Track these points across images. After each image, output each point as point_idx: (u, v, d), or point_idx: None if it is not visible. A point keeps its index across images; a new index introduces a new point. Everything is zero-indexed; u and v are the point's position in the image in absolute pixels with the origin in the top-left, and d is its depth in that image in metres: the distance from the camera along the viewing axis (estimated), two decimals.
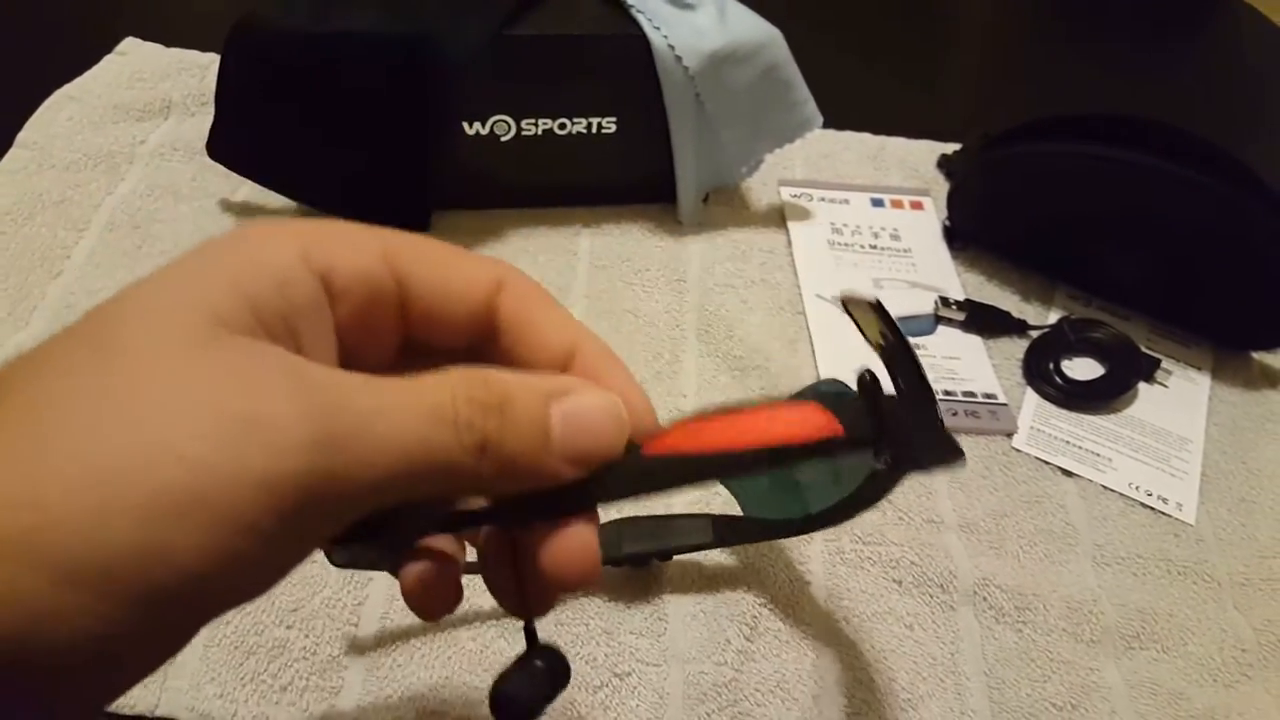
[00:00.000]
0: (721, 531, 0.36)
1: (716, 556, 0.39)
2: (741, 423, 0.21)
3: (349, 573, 0.36)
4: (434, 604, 0.23)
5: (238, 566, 0.16)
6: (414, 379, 0.18)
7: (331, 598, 0.36)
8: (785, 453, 0.21)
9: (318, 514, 0.17)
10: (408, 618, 0.35)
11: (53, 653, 0.15)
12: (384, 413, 0.17)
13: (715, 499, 0.39)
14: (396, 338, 0.21)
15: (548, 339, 0.21)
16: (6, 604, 0.14)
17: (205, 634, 0.34)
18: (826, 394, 0.22)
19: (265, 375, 0.17)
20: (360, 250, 0.20)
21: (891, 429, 0.21)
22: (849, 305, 0.25)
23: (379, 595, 0.36)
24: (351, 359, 0.20)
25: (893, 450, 0.23)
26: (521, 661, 0.22)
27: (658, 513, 0.37)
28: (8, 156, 0.51)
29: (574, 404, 0.19)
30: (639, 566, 0.38)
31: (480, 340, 0.22)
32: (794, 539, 0.40)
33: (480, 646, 0.35)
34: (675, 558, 0.38)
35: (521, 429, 0.19)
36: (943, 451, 0.24)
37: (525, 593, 0.23)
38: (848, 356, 0.47)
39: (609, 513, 0.39)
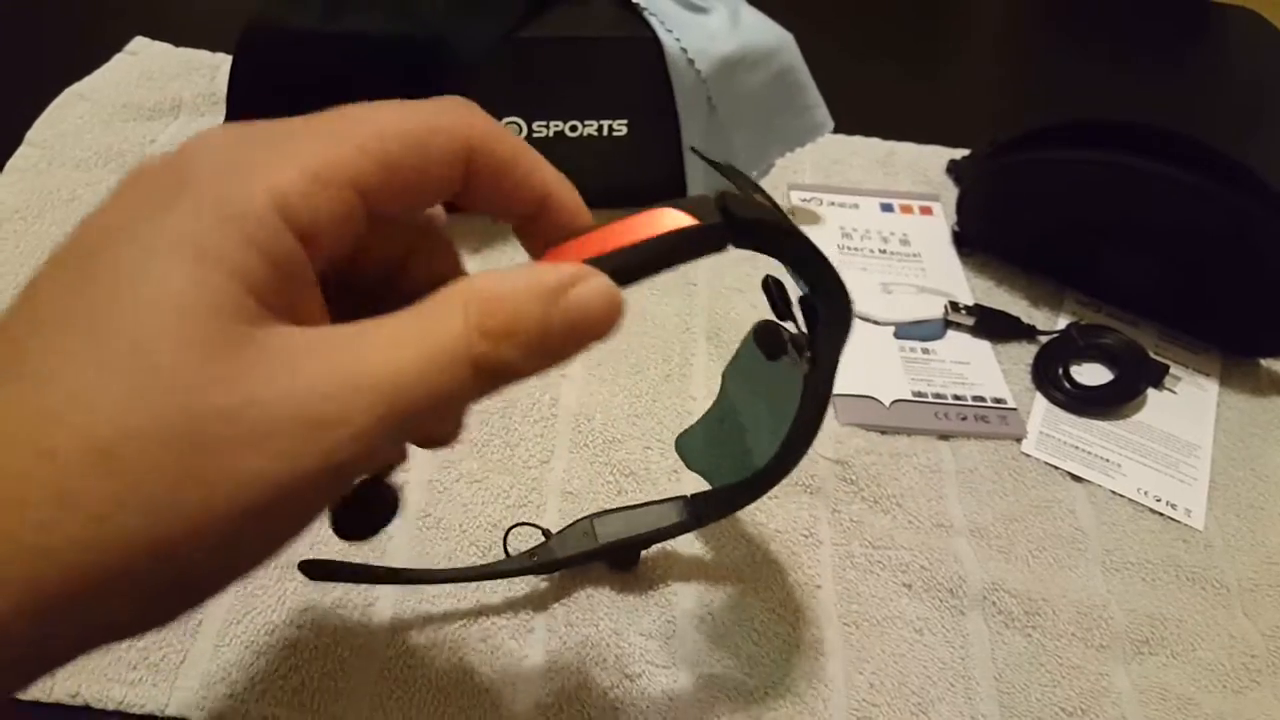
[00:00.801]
0: (694, 508, 0.36)
1: (724, 558, 0.39)
2: (620, 230, 0.23)
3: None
4: None
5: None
6: (419, 313, 0.19)
7: (342, 598, 0.36)
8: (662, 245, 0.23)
9: (352, 465, 0.18)
10: (416, 620, 0.35)
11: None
12: (405, 372, 0.18)
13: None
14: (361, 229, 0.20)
15: (522, 191, 0.22)
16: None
17: (216, 634, 0.34)
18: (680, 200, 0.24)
19: (310, 372, 0.17)
20: (335, 193, 0.19)
21: (735, 211, 0.24)
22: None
23: (389, 596, 0.36)
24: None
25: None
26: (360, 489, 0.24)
27: (629, 503, 0.37)
28: (17, 154, 0.51)
29: (578, 300, 0.20)
30: (624, 567, 0.38)
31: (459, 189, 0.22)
32: (803, 544, 0.40)
33: (491, 648, 0.35)
34: (683, 557, 0.38)
35: (531, 347, 0.19)
36: (793, 240, 0.27)
37: None
38: (858, 359, 0.47)
39: (581, 506, 0.39)
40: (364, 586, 0.36)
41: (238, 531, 0.17)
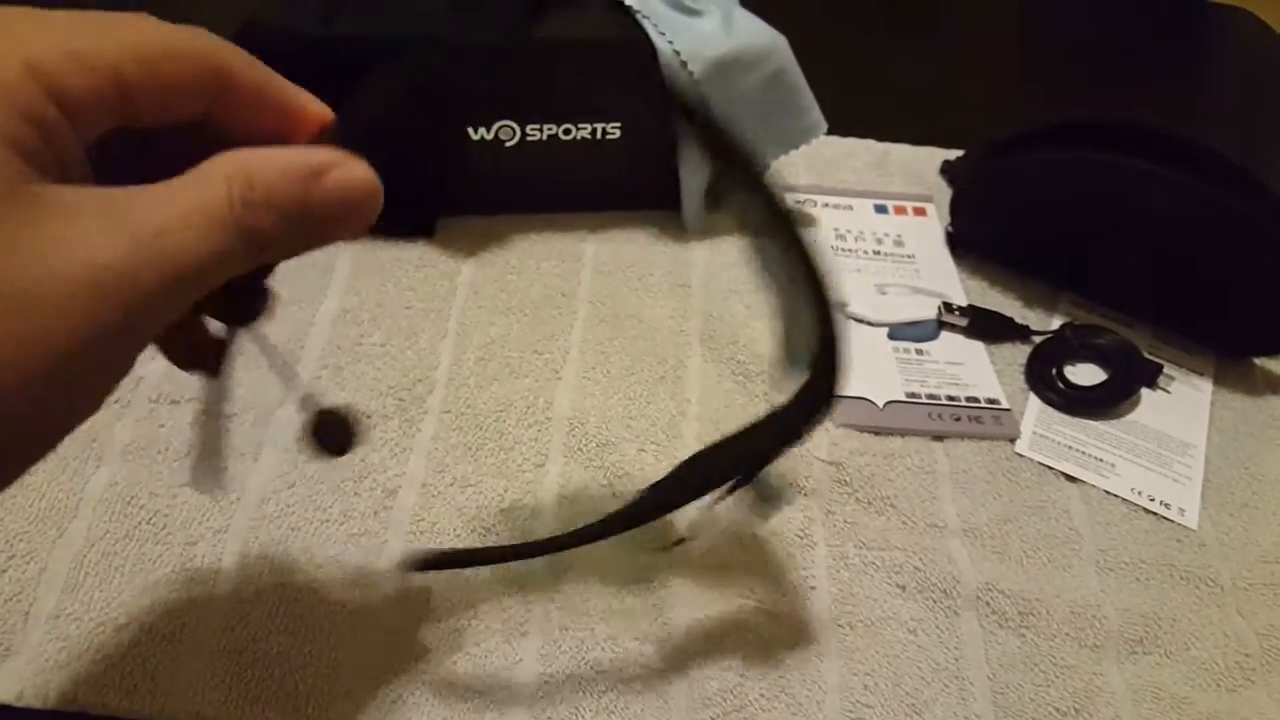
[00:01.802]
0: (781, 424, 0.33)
1: (718, 560, 0.39)
2: None
3: (352, 580, 0.36)
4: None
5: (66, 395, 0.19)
6: (189, 187, 0.20)
7: (335, 604, 0.36)
8: None
9: (143, 320, 0.19)
10: (411, 624, 0.35)
11: None
12: (172, 230, 0.19)
13: None
14: (120, 124, 0.21)
15: (274, 99, 0.24)
16: None
17: (209, 641, 0.34)
18: None
19: (91, 227, 0.19)
20: (89, 67, 0.20)
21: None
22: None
23: (381, 600, 0.36)
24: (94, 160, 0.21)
25: None
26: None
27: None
28: None
29: (336, 182, 0.22)
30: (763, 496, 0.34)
31: (209, 118, 0.23)
32: (798, 546, 0.40)
33: (485, 652, 0.35)
34: (678, 560, 0.38)
35: (292, 220, 0.21)
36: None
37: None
38: (852, 360, 0.47)
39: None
40: (359, 590, 0.36)
41: (35, 386, 0.18)
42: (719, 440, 0.35)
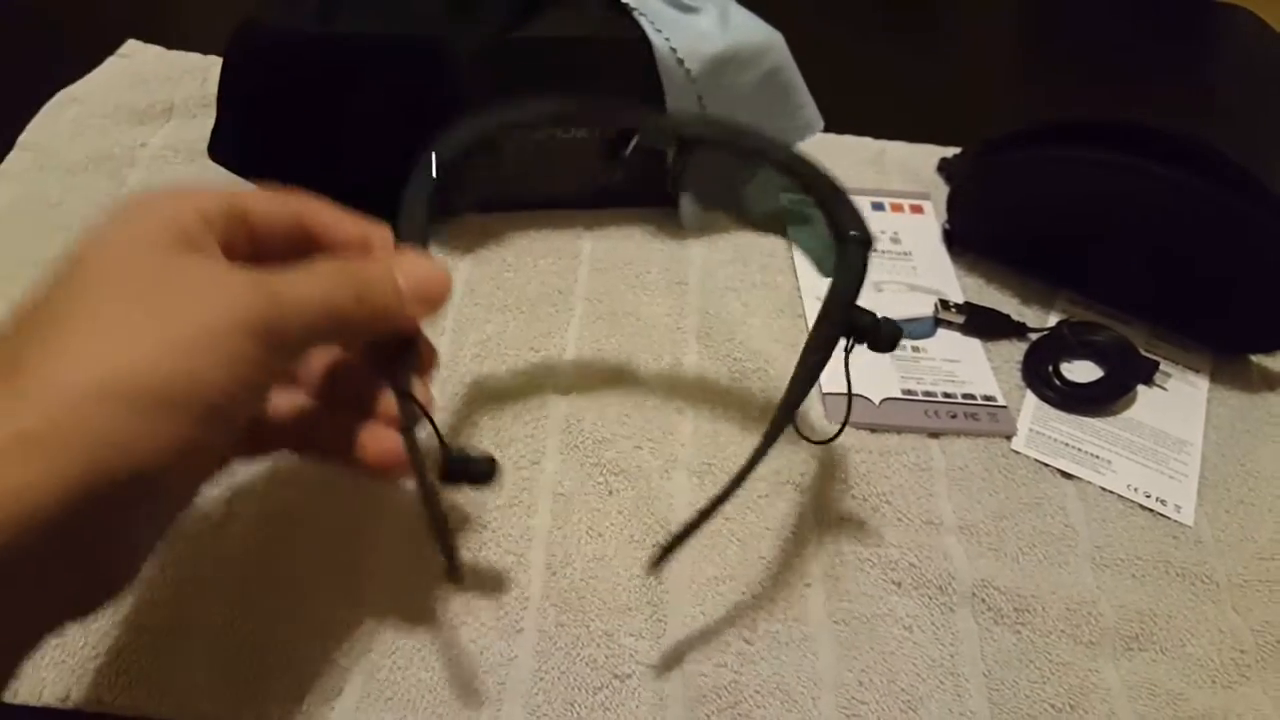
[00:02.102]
0: None
1: (713, 557, 0.39)
2: None
3: (345, 578, 0.36)
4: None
5: (242, 382, 0.25)
6: (306, 265, 0.28)
7: (332, 601, 0.36)
8: None
9: (280, 343, 0.26)
10: (407, 622, 0.35)
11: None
12: (301, 283, 0.27)
13: None
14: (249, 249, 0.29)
15: (346, 236, 0.31)
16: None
17: (205, 637, 0.34)
18: None
19: (229, 274, 0.26)
20: (224, 207, 0.28)
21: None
22: None
23: (378, 597, 0.36)
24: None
25: None
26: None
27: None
28: (9, 158, 0.51)
29: (409, 264, 0.30)
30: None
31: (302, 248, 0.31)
32: (793, 543, 0.40)
33: (480, 649, 0.35)
34: (674, 557, 0.38)
35: (382, 285, 0.29)
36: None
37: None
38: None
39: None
40: (355, 591, 0.36)
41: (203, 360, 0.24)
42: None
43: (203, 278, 0.26)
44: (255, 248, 0.29)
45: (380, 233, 0.32)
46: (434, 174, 0.33)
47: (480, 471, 0.31)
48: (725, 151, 0.39)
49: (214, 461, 0.28)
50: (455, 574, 0.32)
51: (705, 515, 0.33)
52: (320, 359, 0.33)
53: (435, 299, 0.30)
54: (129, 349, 0.23)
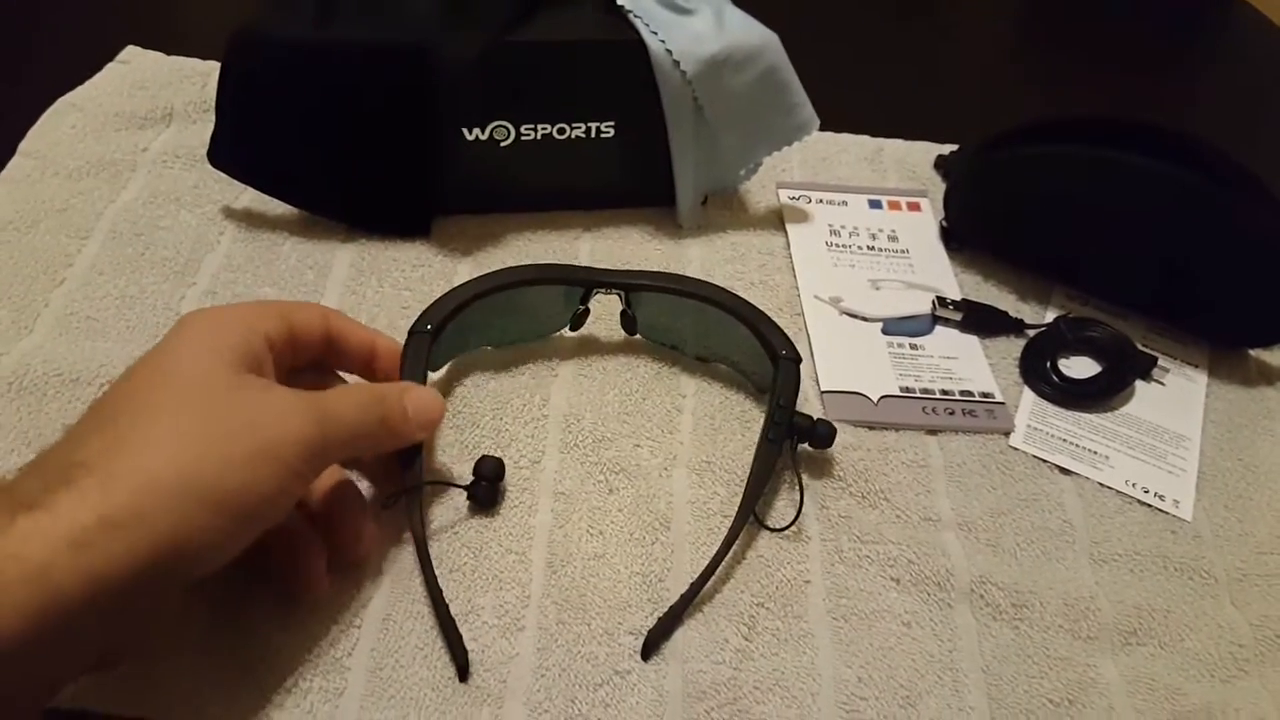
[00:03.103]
0: None
1: (712, 554, 0.39)
2: None
3: (343, 576, 0.36)
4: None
5: (287, 492, 0.31)
6: (343, 389, 0.37)
7: (334, 600, 0.36)
8: None
9: (321, 460, 0.32)
10: (407, 620, 0.36)
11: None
12: (342, 405, 0.33)
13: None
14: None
15: (358, 343, 0.38)
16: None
17: (206, 637, 0.34)
18: None
19: (292, 397, 0.32)
20: (278, 325, 0.35)
21: None
22: None
23: (381, 598, 0.36)
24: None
25: None
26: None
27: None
28: (10, 165, 0.52)
29: (414, 396, 0.36)
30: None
31: (324, 353, 0.38)
32: (792, 540, 0.40)
33: (481, 646, 0.35)
34: (672, 553, 0.38)
35: (397, 412, 0.35)
36: None
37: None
38: (846, 355, 0.47)
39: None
40: (357, 588, 0.36)
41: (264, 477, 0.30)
42: None
43: (268, 400, 0.31)
44: (295, 352, 0.36)
45: (384, 342, 0.39)
46: (428, 342, 0.40)
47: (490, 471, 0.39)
48: (666, 294, 0.44)
49: (240, 550, 0.30)
50: (463, 675, 0.35)
51: (695, 591, 0.37)
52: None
53: (433, 423, 0.37)
54: (201, 457, 0.28)
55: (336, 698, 0.34)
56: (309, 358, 0.37)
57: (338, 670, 0.34)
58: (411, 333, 0.40)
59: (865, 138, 0.62)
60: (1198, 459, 0.45)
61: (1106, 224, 0.49)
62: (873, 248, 0.54)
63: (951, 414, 0.45)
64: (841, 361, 0.47)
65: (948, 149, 0.60)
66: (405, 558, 0.38)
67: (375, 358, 0.39)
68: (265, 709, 0.33)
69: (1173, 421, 0.47)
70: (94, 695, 0.32)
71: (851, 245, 0.54)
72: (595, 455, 0.42)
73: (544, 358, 0.46)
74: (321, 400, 0.32)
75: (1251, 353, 0.51)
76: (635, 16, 0.48)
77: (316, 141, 0.48)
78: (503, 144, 0.49)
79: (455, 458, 0.41)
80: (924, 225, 0.56)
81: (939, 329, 0.50)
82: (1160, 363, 0.49)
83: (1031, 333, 0.50)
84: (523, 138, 0.49)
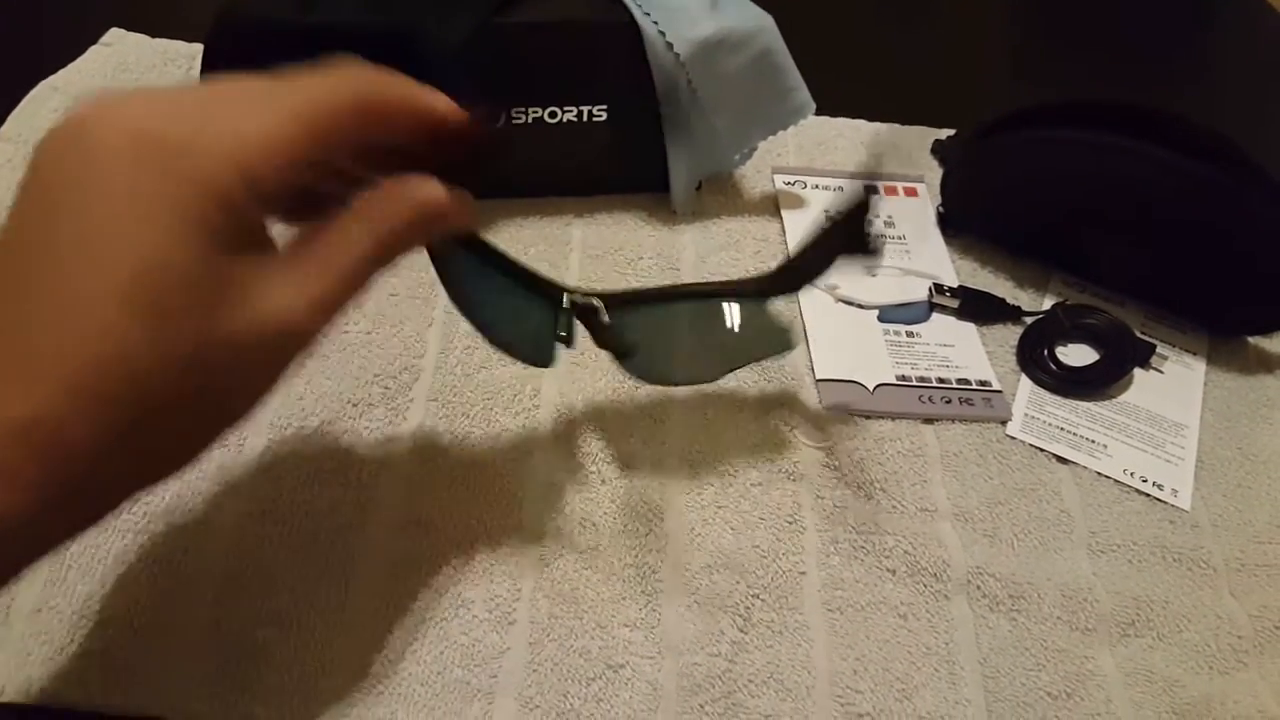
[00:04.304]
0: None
1: (707, 545, 0.38)
2: None
3: (334, 573, 0.36)
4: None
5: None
6: (331, 241, 0.27)
7: (321, 597, 0.35)
8: None
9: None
10: (398, 616, 0.35)
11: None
12: (334, 288, 0.26)
13: None
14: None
15: (411, 123, 0.28)
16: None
17: (192, 635, 0.34)
18: None
19: (287, 294, 0.25)
20: (278, 168, 0.24)
21: None
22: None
23: (368, 591, 0.36)
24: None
25: None
26: None
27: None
28: None
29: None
30: None
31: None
32: (787, 531, 0.39)
33: (472, 641, 0.35)
34: (667, 547, 0.38)
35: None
36: None
37: None
38: (841, 343, 0.47)
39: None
40: (340, 584, 0.36)
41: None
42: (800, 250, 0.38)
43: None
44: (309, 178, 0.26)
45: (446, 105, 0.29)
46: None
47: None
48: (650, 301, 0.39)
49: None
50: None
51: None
52: None
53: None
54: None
55: (325, 694, 0.33)
56: (341, 152, 0.27)
57: (326, 667, 0.34)
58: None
59: (861, 122, 0.61)
60: (1196, 448, 0.45)
61: (1105, 210, 0.48)
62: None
63: (948, 402, 0.45)
64: (837, 349, 0.47)
65: (945, 134, 0.60)
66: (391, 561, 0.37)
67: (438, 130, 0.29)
68: (248, 705, 0.33)
69: (1171, 410, 0.46)
70: (78, 689, 0.32)
71: None
72: (587, 446, 0.42)
73: None
74: (306, 269, 0.25)
75: (1251, 340, 0.50)
76: None
77: None
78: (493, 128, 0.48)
79: (446, 448, 0.41)
80: (921, 211, 0.55)
81: (935, 316, 0.49)
82: (1159, 350, 0.48)
83: (1029, 320, 0.49)
84: (514, 121, 0.48)
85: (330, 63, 0.26)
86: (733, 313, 0.40)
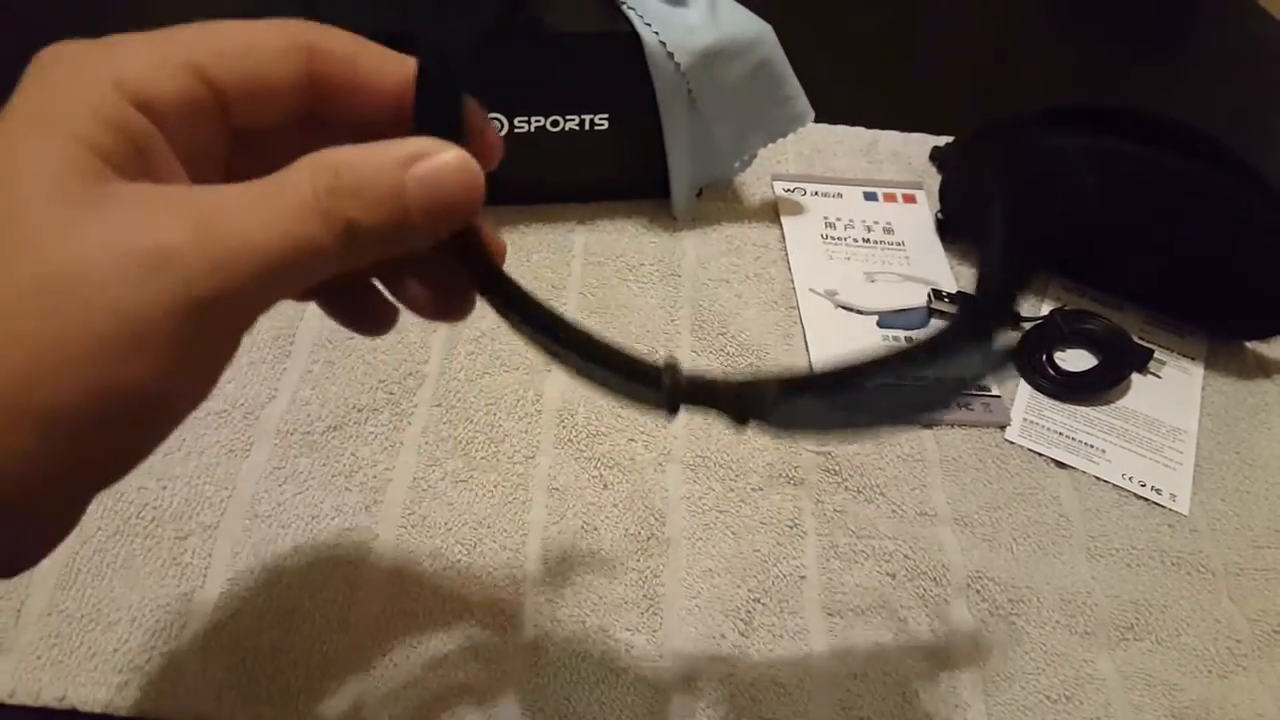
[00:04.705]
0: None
1: (709, 550, 0.39)
2: None
3: (339, 576, 0.36)
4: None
5: (163, 383, 0.19)
6: (272, 180, 0.20)
7: (327, 600, 0.36)
8: None
9: (221, 324, 0.20)
10: (402, 619, 0.35)
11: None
12: (259, 225, 0.19)
13: None
14: (226, 133, 0.22)
15: (379, 85, 0.23)
16: None
17: (202, 639, 0.34)
18: None
19: (157, 213, 0.19)
20: (172, 72, 0.21)
21: None
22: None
23: (372, 594, 0.36)
24: (194, 168, 0.21)
25: None
26: None
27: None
28: None
29: (427, 169, 0.21)
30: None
31: (311, 108, 0.23)
32: (788, 535, 0.40)
33: (475, 643, 0.35)
34: (670, 551, 0.38)
35: (382, 206, 0.20)
36: None
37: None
38: (841, 350, 0.47)
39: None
40: (347, 587, 0.36)
41: (121, 360, 0.18)
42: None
43: (119, 230, 0.19)
44: (237, 112, 0.22)
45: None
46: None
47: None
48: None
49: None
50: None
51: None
52: None
53: (458, 203, 0.21)
54: (9, 355, 0.18)
55: (330, 697, 0.33)
56: (275, 107, 0.22)
57: (331, 670, 0.34)
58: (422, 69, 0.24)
59: (860, 129, 0.61)
60: (1194, 452, 0.45)
61: (1104, 215, 0.49)
62: (868, 240, 0.54)
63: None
64: (837, 355, 0.47)
65: (943, 140, 0.60)
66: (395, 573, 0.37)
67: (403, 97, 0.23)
68: (255, 707, 0.33)
69: (1169, 415, 0.47)
70: (87, 692, 0.32)
71: (847, 238, 0.54)
72: (589, 450, 0.42)
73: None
74: (221, 206, 0.19)
75: (1248, 345, 0.50)
76: (629, 8, 0.47)
77: None
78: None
79: (450, 452, 0.41)
80: (919, 217, 0.56)
81: (935, 322, 0.50)
82: (1157, 355, 0.48)
83: (1028, 325, 0.49)
84: (516, 130, 0.49)
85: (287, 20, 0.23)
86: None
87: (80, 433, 0.18)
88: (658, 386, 0.25)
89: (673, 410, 0.26)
